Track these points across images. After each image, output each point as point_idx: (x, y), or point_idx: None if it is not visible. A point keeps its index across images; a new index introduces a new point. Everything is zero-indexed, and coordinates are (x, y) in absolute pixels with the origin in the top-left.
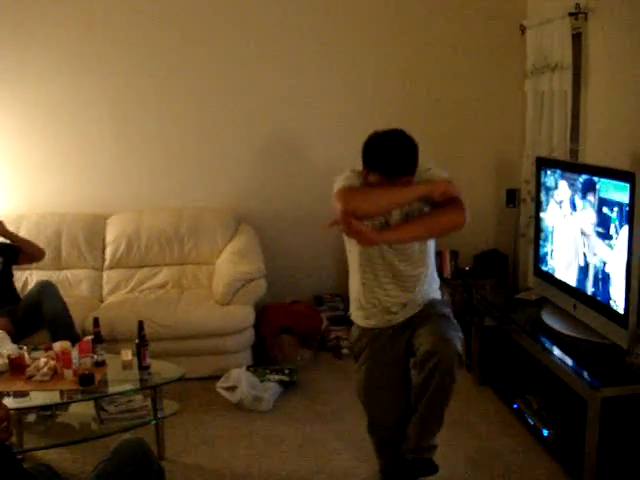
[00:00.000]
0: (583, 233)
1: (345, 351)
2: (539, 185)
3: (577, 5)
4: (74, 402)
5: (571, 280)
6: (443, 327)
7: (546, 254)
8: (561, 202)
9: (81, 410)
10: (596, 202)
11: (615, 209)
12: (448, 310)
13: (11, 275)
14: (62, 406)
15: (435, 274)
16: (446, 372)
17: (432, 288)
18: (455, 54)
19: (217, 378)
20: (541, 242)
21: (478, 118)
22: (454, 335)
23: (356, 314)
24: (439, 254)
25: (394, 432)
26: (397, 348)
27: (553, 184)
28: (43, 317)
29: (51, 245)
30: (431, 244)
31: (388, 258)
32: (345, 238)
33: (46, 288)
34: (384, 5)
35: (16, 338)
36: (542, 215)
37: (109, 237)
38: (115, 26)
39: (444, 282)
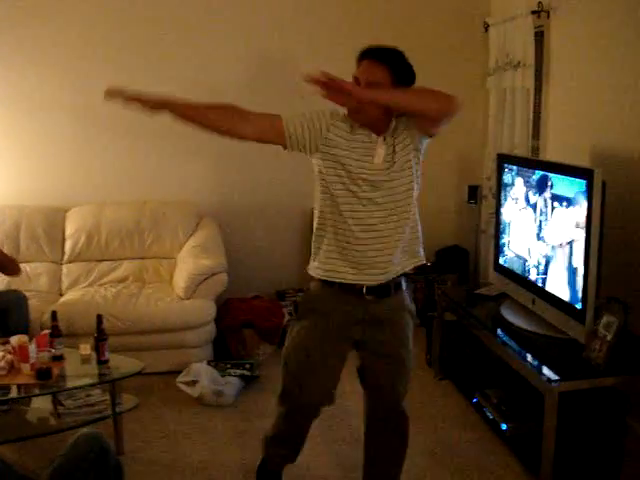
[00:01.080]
0: (540, 229)
1: None
2: (500, 181)
3: (540, 3)
4: (31, 396)
5: (530, 275)
6: (397, 393)
7: (504, 250)
8: (517, 199)
9: (39, 405)
10: (552, 198)
11: (572, 206)
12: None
13: None
14: (19, 401)
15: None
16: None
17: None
18: (418, 51)
19: (178, 373)
20: (501, 238)
21: None
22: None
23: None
24: None
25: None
26: (347, 333)
27: (511, 181)
28: (6, 326)
29: (9, 238)
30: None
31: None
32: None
33: (18, 300)
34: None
35: None
36: (502, 211)
37: (69, 230)
38: (78, 15)
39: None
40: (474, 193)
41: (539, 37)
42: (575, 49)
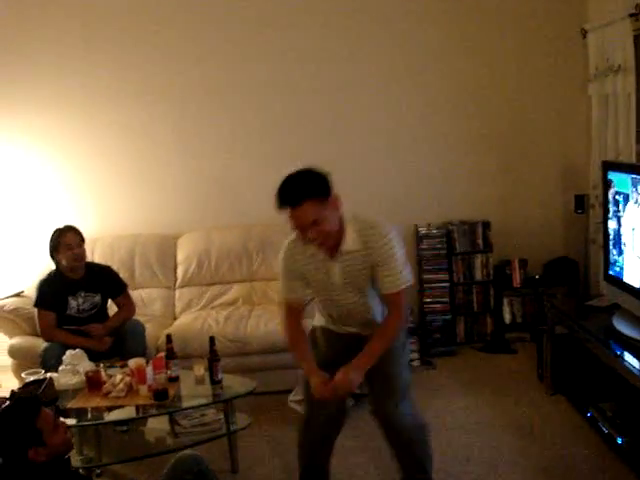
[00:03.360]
0: None
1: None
2: (606, 189)
3: (637, 5)
4: (149, 417)
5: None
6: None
7: (616, 259)
8: (630, 205)
9: (156, 425)
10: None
11: None
12: (403, 360)
13: (106, 307)
14: (138, 421)
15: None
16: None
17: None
18: (518, 59)
19: (289, 392)
20: (611, 247)
21: (543, 124)
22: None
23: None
24: (508, 263)
25: (322, 434)
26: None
27: (621, 188)
28: (125, 352)
29: (125, 265)
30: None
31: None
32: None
33: (137, 327)
34: (439, 14)
35: (95, 358)
36: (610, 220)
37: (180, 256)
38: (182, 50)
39: (514, 291)
40: (581, 202)
41: (639, 40)
42: None
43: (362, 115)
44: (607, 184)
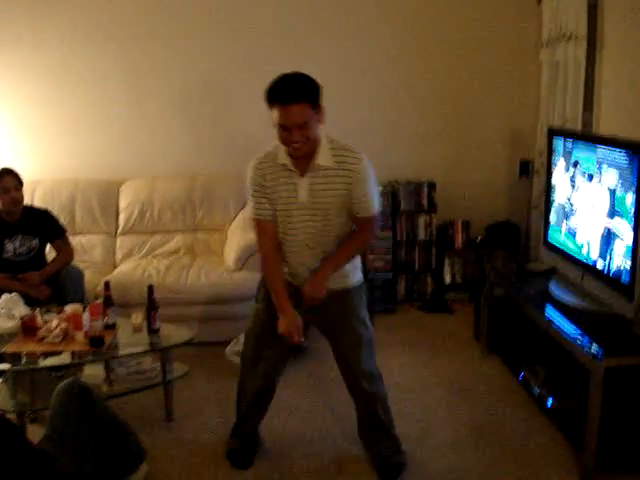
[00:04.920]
0: (590, 205)
1: None
2: (550, 156)
3: None
4: (84, 363)
5: (579, 251)
6: (362, 366)
7: (555, 225)
8: (570, 173)
9: (92, 372)
10: (604, 173)
11: (623, 180)
12: (364, 312)
13: (44, 251)
14: (73, 367)
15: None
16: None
17: (351, 265)
18: (470, 23)
19: (227, 343)
20: (551, 213)
21: (493, 88)
22: (371, 371)
23: None
24: (451, 224)
25: (260, 391)
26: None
27: (564, 155)
28: (63, 299)
29: (65, 210)
30: (338, 223)
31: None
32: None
33: (75, 275)
34: None
35: (32, 303)
36: (553, 186)
37: (122, 203)
38: None
39: (455, 253)
40: (526, 168)
41: (593, 9)
42: (628, 21)
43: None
44: (551, 150)
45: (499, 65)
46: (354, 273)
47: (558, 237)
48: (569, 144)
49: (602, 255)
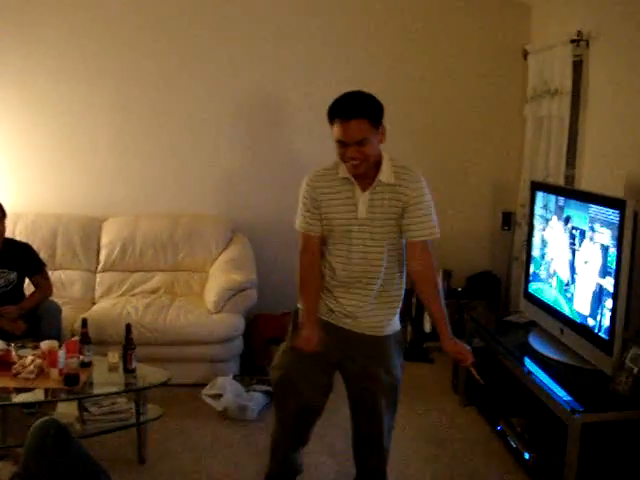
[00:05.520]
0: (571, 259)
1: None
2: (532, 209)
3: (579, 32)
4: (58, 401)
5: (559, 305)
6: (380, 437)
7: (535, 277)
8: (549, 227)
9: (65, 410)
10: (586, 228)
11: (604, 236)
12: (398, 374)
13: (22, 285)
14: (46, 405)
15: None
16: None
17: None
18: (457, 76)
19: (204, 385)
20: (532, 265)
21: (477, 140)
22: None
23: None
24: None
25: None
26: (331, 354)
27: (546, 209)
28: (39, 334)
29: (46, 245)
30: (394, 251)
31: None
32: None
33: (52, 310)
34: (385, 21)
35: (8, 338)
36: (534, 239)
37: (104, 240)
38: (116, 33)
39: None
40: (508, 220)
41: (578, 66)
42: (613, 79)
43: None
44: (533, 203)
45: (484, 118)
46: (396, 320)
47: (543, 291)
48: (561, 200)
49: (593, 313)
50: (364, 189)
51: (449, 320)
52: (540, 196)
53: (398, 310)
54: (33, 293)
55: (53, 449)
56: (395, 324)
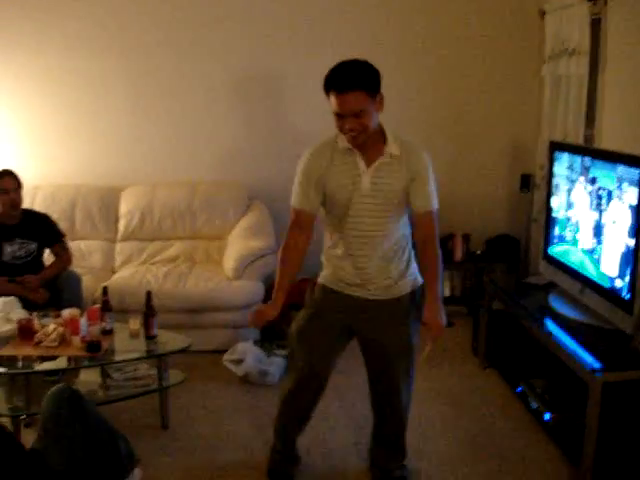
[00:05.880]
0: (589, 218)
1: None
2: (551, 170)
3: None
4: (80, 368)
5: (584, 267)
6: (399, 398)
7: (555, 239)
8: (573, 187)
9: (88, 377)
10: (603, 187)
11: (624, 195)
12: (413, 340)
13: (42, 256)
14: (69, 372)
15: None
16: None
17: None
18: (474, 38)
19: (224, 352)
20: (551, 227)
21: (495, 101)
22: (405, 405)
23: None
24: (451, 237)
25: (318, 393)
26: (344, 321)
27: (572, 169)
28: (60, 304)
29: (65, 215)
30: (399, 220)
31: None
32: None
33: (72, 280)
34: None
35: (30, 307)
36: (558, 199)
37: (123, 209)
38: (135, 2)
39: (455, 266)
40: (527, 182)
41: (596, 25)
42: (631, 37)
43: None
44: (552, 164)
45: (501, 79)
46: (410, 281)
47: (569, 253)
48: (587, 161)
49: (621, 274)
50: (369, 162)
51: (441, 295)
52: (565, 157)
53: (411, 263)
54: (53, 263)
55: (69, 412)
56: (409, 281)
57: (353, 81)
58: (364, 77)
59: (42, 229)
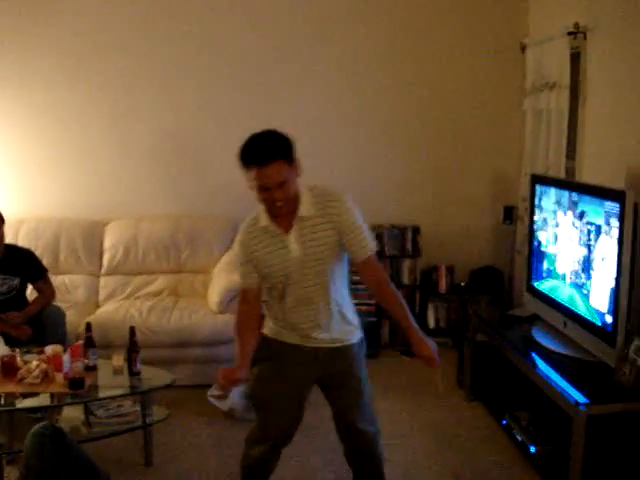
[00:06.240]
0: (573, 251)
1: None
2: (533, 202)
3: (576, 24)
4: (64, 405)
5: (562, 297)
6: (362, 416)
7: (538, 271)
8: (554, 220)
9: (71, 414)
10: (583, 220)
11: (604, 228)
12: (364, 370)
13: (24, 291)
14: (52, 409)
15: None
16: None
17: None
18: (456, 70)
19: (209, 387)
20: (534, 259)
21: (477, 135)
22: (370, 423)
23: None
24: (435, 269)
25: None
26: (305, 372)
27: (547, 202)
28: (44, 340)
29: (49, 249)
30: (338, 272)
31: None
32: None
33: (57, 315)
34: (385, 17)
35: (13, 343)
36: (536, 232)
37: (107, 243)
38: (118, 35)
39: (439, 297)
40: (510, 213)
41: (576, 58)
42: (611, 70)
43: (298, 117)
44: (534, 196)
45: (484, 113)
46: (358, 329)
47: (541, 283)
48: (575, 195)
49: (611, 309)
50: (287, 229)
51: (415, 319)
52: (552, 191)
53: (356, 319)
54: (36, 298)
55: (51, 451)
56: (358, 333)
57: (272, 152)
58: (281, 147)
59: (25, 265)
